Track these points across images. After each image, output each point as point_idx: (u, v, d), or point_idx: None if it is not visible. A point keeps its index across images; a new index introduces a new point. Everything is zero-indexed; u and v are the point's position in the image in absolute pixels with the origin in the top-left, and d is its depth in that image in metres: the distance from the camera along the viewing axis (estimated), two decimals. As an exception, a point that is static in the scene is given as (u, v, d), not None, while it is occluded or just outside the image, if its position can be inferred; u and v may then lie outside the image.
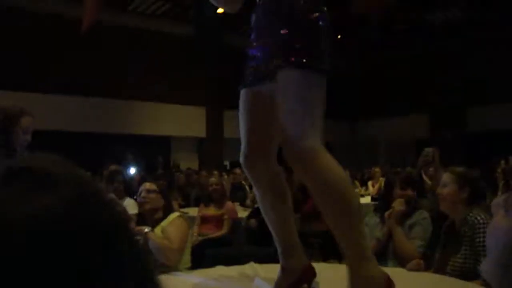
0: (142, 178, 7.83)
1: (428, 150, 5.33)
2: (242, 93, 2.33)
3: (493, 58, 12.06)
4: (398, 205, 3.44)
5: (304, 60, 2.02)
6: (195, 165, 13.33)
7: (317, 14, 2.11)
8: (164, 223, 3.35)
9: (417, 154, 12.19)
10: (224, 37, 13.69)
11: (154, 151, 12.81)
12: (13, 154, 3.29)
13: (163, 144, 13.38)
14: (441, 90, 13.14)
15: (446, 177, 3.09)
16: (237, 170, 8.68)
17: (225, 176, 9.02)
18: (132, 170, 10.77)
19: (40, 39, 11.21)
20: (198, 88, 13.33)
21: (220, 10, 11.64)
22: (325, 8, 2.15)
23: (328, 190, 1.98)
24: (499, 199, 1.22)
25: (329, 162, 2.01)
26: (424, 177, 5.54)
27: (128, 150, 11.39)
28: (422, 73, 13.44)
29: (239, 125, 2.34)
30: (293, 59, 2.03)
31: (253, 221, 5.72)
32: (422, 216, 3.41)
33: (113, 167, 5.43)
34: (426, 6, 12.21)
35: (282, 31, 2.10)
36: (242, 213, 6.30)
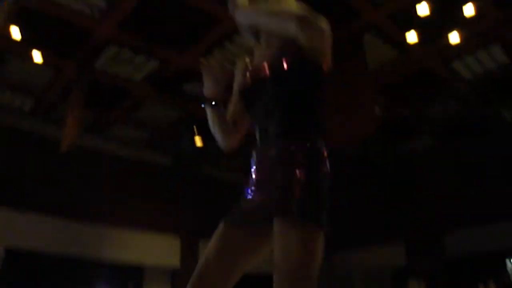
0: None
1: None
2: (222, 226, 2.34)
3: (466, 184, 12.25)
4: None
5: (309, 213, 2.09)
6: (168, 296, 13.01)
7: (324, 171, 2.22)
8: None
9: (395, 284, 11.94)
10: (202, 168, 13.80)
11: (127, 279, 12.52)
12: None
13: (136, 272, 13.07)
14: (416, 217, 13.19)
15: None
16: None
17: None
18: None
19: (12, 156, 11.23)
20: (173, 217, 13.27)
21: (199, 144, 11.91)
22: (328, 167, 2.25)
23: None
24: None
25: None
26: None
27: (100, 277, 11.14)
28: (396, 201, 13.52)
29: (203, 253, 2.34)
30: (297, 210, 2.10)
31: None
32: None
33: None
34: (400, 136, 12.52)
35: (289, 184, 2.17)
36: None
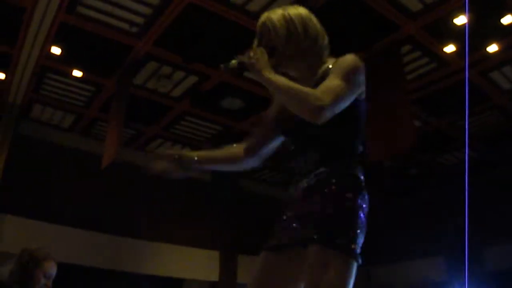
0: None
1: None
2: (264, 255, 2.37)
3: (507, 197, 12.04)
4: None
5: (350, 246, 2.12)
6: (207, 309, 13.07)
7: (364, 201, 2.26)
8: None
9: None
10: (240, 182, 13.82)
11: (166, 293, 12.64)
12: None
13: (175, 286, 13.15)
14: (457, 230, 12.98)
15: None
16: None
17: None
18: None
19: (56, 171, 11.48)
20: (213, 231, 13.30)
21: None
22: (367, 196, 2.29)
23: None
24: None
25: None
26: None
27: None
28: (437, 215, 13.36)
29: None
30: (333, 238, 2.12)
31: None
32: None
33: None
34: (439, 149, 12.38)
35: (327, 211, 2.20)
36: None
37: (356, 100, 2.34)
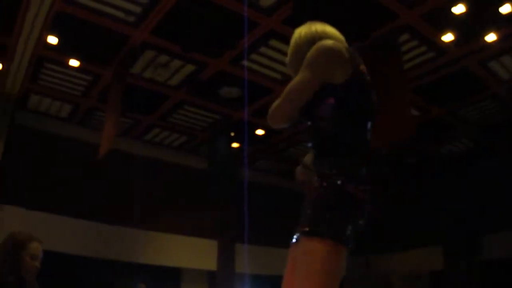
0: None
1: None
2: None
3: (504, 186, 12.04)
4: None
5: (322, 228, 2.10)
6: (205, 298, 13.08)
7: (349, 192, 2.20)
8: None
9: (432, 286, 11.68)
10: (238, 171, 13.80)
11: (164, 282, 12.63)
12: (21, 280, 3.27)
13: (173, 275, 13.16)
14: (454, 220, 13.02)
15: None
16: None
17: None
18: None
19: (55, 162, 11.45)
20: (211, 221, 13.29)
21: (235, 145, 11.92)
22: (368, 187, 2.27)
23: None
24: None
25: None
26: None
27: (139, 279, 11.25)
28: (434, 205, 13.38)
29: None
30: (308, 227, 2.14)
31: None
32: None
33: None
34: (437, 138, 12.37)
35: (308, 199, 2.25)
36: None
37: (330, 86, 2.30)
